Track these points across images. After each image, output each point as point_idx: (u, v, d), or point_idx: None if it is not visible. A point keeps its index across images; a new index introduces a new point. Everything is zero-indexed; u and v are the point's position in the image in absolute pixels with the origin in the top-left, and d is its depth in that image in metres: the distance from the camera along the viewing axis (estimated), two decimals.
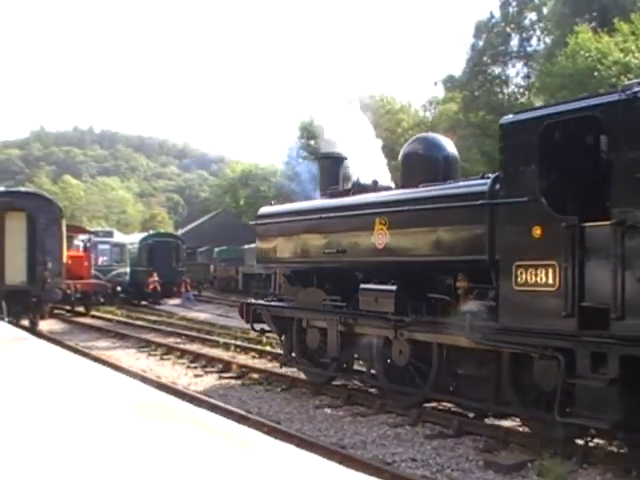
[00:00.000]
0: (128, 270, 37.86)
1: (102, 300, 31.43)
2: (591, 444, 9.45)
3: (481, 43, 46.02)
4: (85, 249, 32.73)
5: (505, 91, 47.51)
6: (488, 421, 11.12)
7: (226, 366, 16.67)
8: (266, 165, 73.73)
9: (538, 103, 35.46)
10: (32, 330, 21.62)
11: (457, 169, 12.54)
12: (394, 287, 11.57)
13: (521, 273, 9.16)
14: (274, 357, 17.58)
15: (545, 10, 44.76)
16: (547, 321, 8.90)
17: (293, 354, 14.82)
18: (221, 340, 20.45)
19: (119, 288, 35.55)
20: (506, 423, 10.94)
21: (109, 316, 30.43)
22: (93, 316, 30.37)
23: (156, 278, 38.11)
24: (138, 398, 7.61)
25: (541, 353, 9.10)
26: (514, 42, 46.66)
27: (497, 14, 47.01)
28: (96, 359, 15.62)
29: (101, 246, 37.20)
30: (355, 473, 5.10)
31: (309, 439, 9.94)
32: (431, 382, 11.31)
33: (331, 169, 14.98)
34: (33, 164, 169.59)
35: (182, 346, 20.02)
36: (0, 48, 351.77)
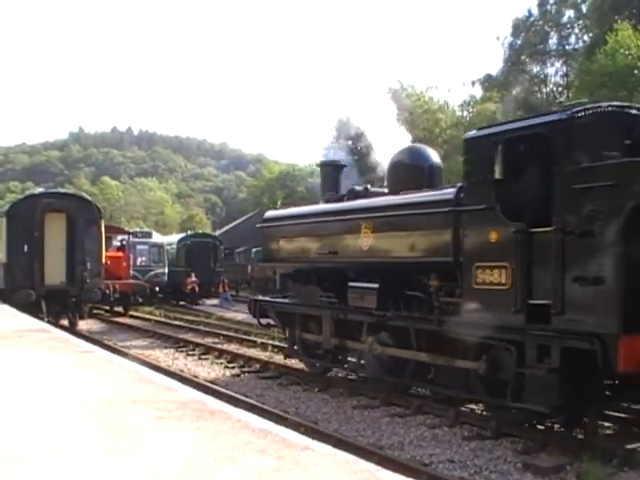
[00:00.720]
0: (166, 270, 38.10)
1: (140, 300, 31.69)
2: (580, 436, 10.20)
3: (519, 42, 45.74)
4: (124, 249, 32.97)
5: (544, 90, 47.12)
6: (526, 423, 11.06)
7: (263, 366, 16.70)
8: (303, 166, 73.94)
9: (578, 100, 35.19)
10: (71, 330, 21.85)
11: (440, 177, 13.39)
12: (376, 285, 12.72)
13: (480, 273, 10.25)
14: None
15: (584, 7, 44.31)
16: (501, 316, 9.93)
17: (295, 347, 15.94)
18: (258, 340, 20.48)
19: (157, 288, 35.78)
20: (545, 425, 10.85)
21: (147, 316, 30.66)
22: (131, 316, 30.60)
23: (194, 279, 38.29)
24: (177, 398, 7.66)
25: (497, 345, 10.23)
26: (552, 40, 46.34)
27: (535, 12, 46.69)
28: (135, 359, 15.73)
29: (139, 246, 37.47)
30: (393, 474, 5.09)
31: (347, 439, 9.92)
32: (411, 370, 12.47)
33: (331, 176, 16.08)
34: (72, 166, 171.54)
35: (220, 346, 20.09)
36: (40, 51, 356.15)
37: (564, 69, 46.81)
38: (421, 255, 11.72)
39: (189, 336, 22.93)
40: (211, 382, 14.75)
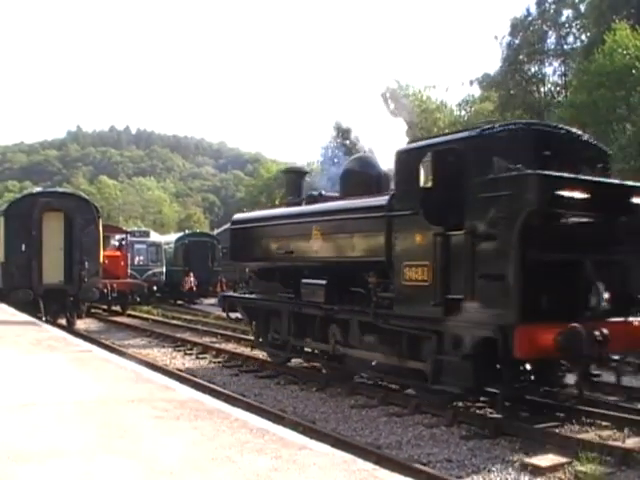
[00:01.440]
0: (164, 270, 38.10)
1: (138, 299, 31.69)
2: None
3: (517, 41, 45.72)
4: (121, 249, 32.96)
5: (542, 89, 47.12)
6: (525, 422, 11.07)
7: (261, 365, 16.71)
8: (301, 165, 73.83)
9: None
10: (69, 329, 21.84)
11: (388, 184, 14.06)
12: (324, 282, 14.01)
13: (407, 271, 11.53)
14: (309, 357, 17.60)
15: (582, 7, 44.32)
16: (423, 309, 11.19)
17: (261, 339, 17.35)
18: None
19: (155, 288, 35.78)
20: (543, 424, 10.86)
21: (145, 315, 30.65)
22: (129, 315, 30.60)
23: (193, 278, 38.29)
24: (175, 397, 7.66)
25: (421, 334, 11.54)
26: (551, 40, 46.30)
27: (533, 11, 46.70)
28: (133, 358, 15.72)
29: (137, 246, 37.45)
30: (391, 474, 5.09)
31: (344, 439, 9.92)
32: (363, 359, 13.61)
33: (294, 181, 17.51)
34: (70, 165, 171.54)
35: (218, 345, 20.08)
36: (38, 50, 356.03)
37: (562, 69, 46.84)
38: (361, 255, 13.00)
39: (187, 335, 22.93)
40: (209, 381, 14.74)
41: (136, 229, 47.31)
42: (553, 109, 40.81)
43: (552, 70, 47.59)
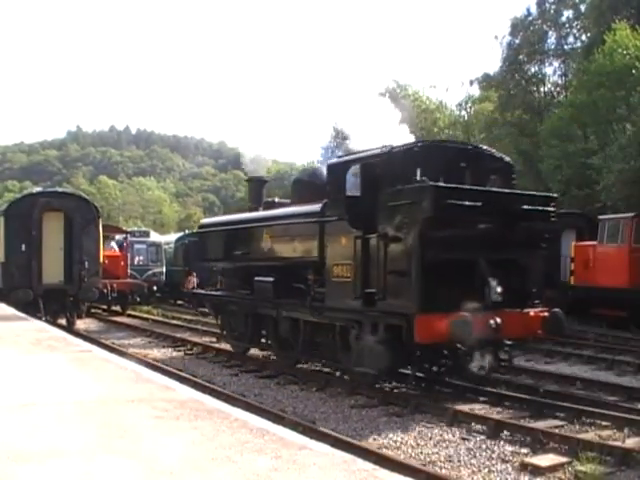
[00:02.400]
0: (164, 270, 38.06)
1: (138, 299, 31.65)
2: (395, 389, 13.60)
3: (517, 41, 45.64)
4: (121, 249, 32.94)
5: (542, 89, 47.08)
6: (524, 422, 11.09)
7: (261, 365, 16.71)
8: (301, 165, 73.78)
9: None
10: (69, 329, 21.84)
11: None
12: (272, 279, 15.76)
13: (335, 269, 13.29)
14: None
15: (583, 7, 44.27)
16: (347, 302, 12.94)
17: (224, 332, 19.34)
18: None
19: (155, 287, 35.74)
20: (543, 424, 10.87)
21: (145, 315, 30.64)
22: (129, 315, 30.59)
23: (195, 278, 38.23)
24: (175, 397, 7.66)
25: (346, 324, 13.28)
26: (551, 40, 46.22)
27: (534, 11, 46.62)
28: (133, 358, 15.72)
29: (137, 246, 37.39)
30: (391, 473, 5.09)
31: (344, 439, 9.92)
32: (300, 347, 15.34)
33: (255, 189, 19.23)
34: (70, 165, 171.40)
35: (218, 345, 20.07)
36: (38, 50, 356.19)
37: (562, 69, 46.79)
38: (301, 256, 14.76)
39: (187, 335, 22.93)
40: (209, 381, 14.74)
41: (136, 229, 47.24)
42: (553, 109, 40.78)
43: (552, 70, 47.55)
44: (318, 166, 17.42)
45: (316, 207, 14.06)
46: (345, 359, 13.64)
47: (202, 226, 20.99)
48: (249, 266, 17.17)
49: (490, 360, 12.16)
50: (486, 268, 11.79)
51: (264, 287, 16.01)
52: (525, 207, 12.43)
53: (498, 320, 11.45)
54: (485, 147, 15.09)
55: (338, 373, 15.02)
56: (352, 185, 13.19)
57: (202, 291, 21.76)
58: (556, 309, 12.78)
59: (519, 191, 13.55)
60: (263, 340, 17.54)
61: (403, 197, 11.84)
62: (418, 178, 11.98)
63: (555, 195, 14.73)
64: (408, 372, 12.82)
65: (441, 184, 11.96)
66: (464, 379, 13.31)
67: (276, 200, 18.23)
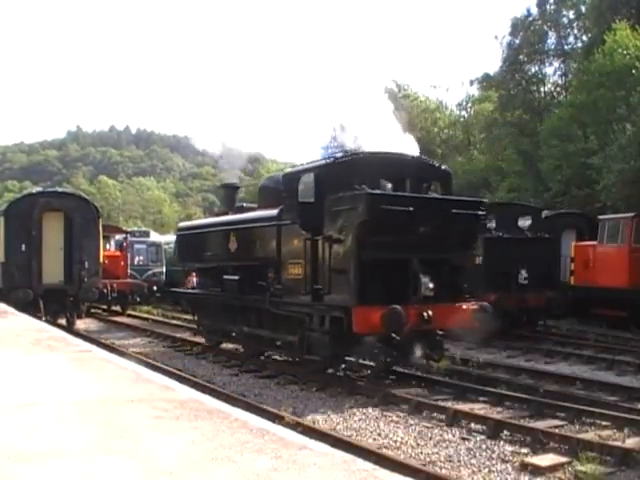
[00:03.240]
0: (164, 270, 38.02)
1: (138, 299, 31.63)
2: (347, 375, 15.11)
3: (517, 41, 45.61)
4: (121, 249, 32.93)
5: (542, 90, 47.06)
6: (524, 422, 11.09)
7: (261, 366, 16.71)
8: (300, 165, 73.60)
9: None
10: (69, 329, 21.83)
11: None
12: (237, 277, 17.22)
13: (289, 268, 14.87)
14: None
15: (583, 7, 44.23)
16: (299, 297, 14.46)
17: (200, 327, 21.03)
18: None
19: (155, 287, 35.70)
20: (543, 424, 10.88)
21: (145, 315, 30.63)
22: (129, 315, 30.59)
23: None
24: (175, 397, 7.66)
25: (299, 317, 14.59)
26: (551, 40, 46.18)
27: (534, 11, 46.58)
28: (133, 358, 15.71)
29: (137, 246, 37.36)
30: (391, 473, 5.09)
31: (344, 439, 9.93)
32: (267, 339, 16.87)
33: (228, 195, 20.96)
34: (70, 165, 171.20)
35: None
36: (38, 50, 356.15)
37: (562, 69, 46.77)
38: (261, 256, 16.30)
39: (187, 335, 22.92)
40: (209, 381, 14.74)
41: (136, 229, 47.18)
42: (553, 109, 40.77)
43: (552, 70, 47.52)
44: (278, 174, 18.58)
45: (274, 212, 15.64)
46: (299, 348, 15.01)
47: (180, 229, 23.15)
48: (219, 266, 18.71)
49: (429, 349, 13.89)
50: (418, 266, 13.29)
51: (231, 285, 17.51)
52: (455, 211, 13.82)
53: (430, 313, 12.95)
54: (424, 157, 16.75)
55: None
56: (303, 192, 14.58)
57: (179, 289, 24.24)
58: (484, 303, 14.25)
59: (450, 197, 14.90)
60: (233, 334, 18.97)
61: (343, 203, 13.44)
62: (357, 186, 13.59)
63: (484, 200, 17.55)
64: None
65: (375, 191, 13.54)
66: (409, 367, 15.06)
67: (244, 205, 19.83)
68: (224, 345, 19.69)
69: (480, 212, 14.40)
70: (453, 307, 13.61)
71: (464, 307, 13.77)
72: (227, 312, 18.40)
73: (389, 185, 14.76)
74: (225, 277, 17.85)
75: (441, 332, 14.08)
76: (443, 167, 16.15)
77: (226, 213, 19.77)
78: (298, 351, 15.18)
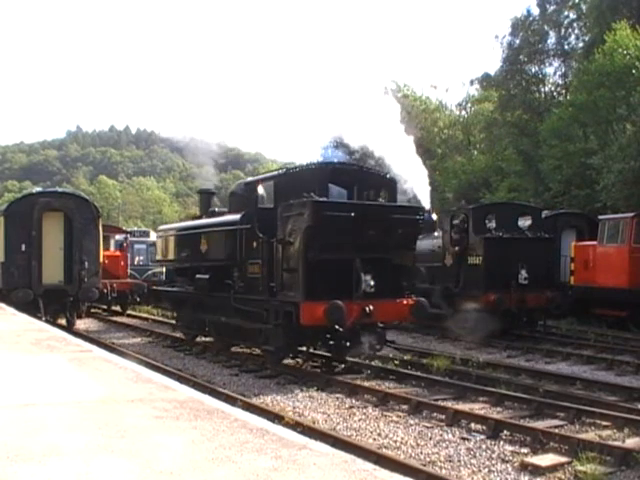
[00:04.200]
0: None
1: (138, 299, 31.61)
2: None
3: (517, 41, 45.59)
4: (121, 249, 32.92)
5: (542, 90, 47.03)
6: (524, 422, 11.09)
7: (261, 365, 16.70)
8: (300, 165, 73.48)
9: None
10: (69, 329, 21.82)
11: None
12: (207, 276, 18.51)
13: (250, 267, 16.43)
14: (308, 357, 17.65)
15: (584, 7, 44.19)
16: (258, 294, 15.93)
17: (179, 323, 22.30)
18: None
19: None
20: (543, 424, 10.87)
21: (145, 315, 30.61)
22: (129, 315, 30.57)
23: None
24: (175, 397, 7.66)
25: (257, 311, 15.97)
26: (551, 40, 46.14)
27: (534, 11, 46.54)
28: (133, 358, 15.70)
29: (137, 246, 37.38)
30: (391, 474, 5.09)
31: (345, 439, 9.93)
32: (233, 332, 18.07)
33: (205, 199, 22.09)
34: (70, 165, 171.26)
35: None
36: (38, 50, 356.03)
37: (563, 69, 46.74)
38: (227, 257, 17.56)
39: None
40: (209, 381, 14.75)
41: (136, 229, 47.18)
42: (553, 109, 40.76)
43: (553, 70, 47.49)
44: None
45: (237, 217, 16.98)
46: (258, 340, 16.54)
47: (159, 231, 24.88)
48: (192, 265, 20.14)
49: (374, 340, 15.17)
50: (360, 266, 14.60)
51: (202, 283, 18.80)
52: (395, 216, 15.33)
53: (371, 307, 14.38)
54: (370, 167, 19.36)
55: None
56: (261, 199, 16.04)
57: (159, 288, 25.96)
58: (421, 298, 15.69)
59: (389, 204, 16.25)
60: (207, 328, 20.13)
61: (293, 210, 14.83)
62: (306, 194, 14.93)
63: (423, 206, 19.39)
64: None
65: (319, 199, 14.93)
66: (357, 357, 16.22)
67: (216, 210, 21.07)
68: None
69: (418, 217, 15.94)
70: (393, 302, 15.12)
71: (404, 302, 15.26)
72: (200, 308, 19.74)
73: (344, 192, 16.84)
74: (197, 276, 19.15)
75: (382, 325, 15.67)
76: (388, 176, 17.63)
77: (200, 217, 21.41)
78: (257, 342, 16.75)
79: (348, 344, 15.35)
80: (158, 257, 24.19)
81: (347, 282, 14.49)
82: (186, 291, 20.68)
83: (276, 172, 17.03)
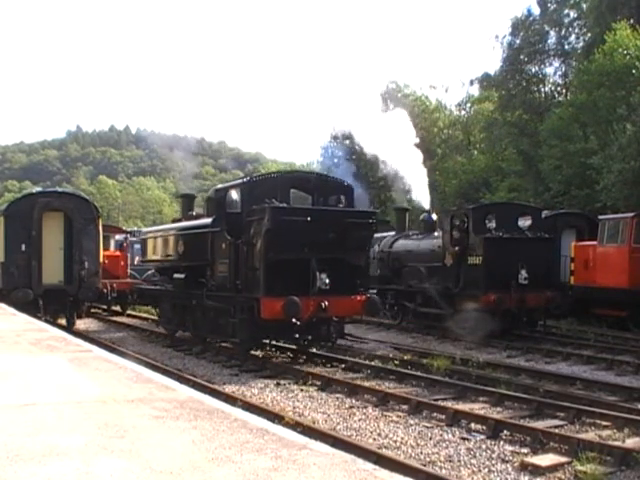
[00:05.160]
0: None
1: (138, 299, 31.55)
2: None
3: (518, 41, 45.55)
4: (121, 249, 32.91)
5: (542, 90, 47.00)
6: (524, 422, 11.09)
7: (261, 365, 16.72)
8: (300, 165, 73.68)
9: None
10: (69, 329, 21.82)
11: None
12: (184, 275, 20.18)
13: (219, 267, 17.81)
14: (309, 357, 17.66)
15: (584, 7, 44.14)
16: (226, 291, 17.40)
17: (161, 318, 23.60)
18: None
19: None
20: (543, 424, 10.87)
21: (145, 315, 30.59)
22: (129, 315, 30.57)
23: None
24: (175, 397, 7.66)
25: (226, 307, 17.48)
26: (551, 40, 46.10)
27: (534, 11, 46.49)
28: (133, 358, 15.69)
29: (137, 246, 37.32)
30: (391, 474, 5.08)
31: (344, 439, 9.93)
32: (207, 326, 19.40)
33: (185, 204, 23.87)
34: (70, 165, 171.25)
35: (217, 344, 20.06)
36: (38, 50, 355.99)
37: (563, 68, 46.71)
38: (201, 257, 18.85)
39: (187, 335, 22.89)
40: (209, 381, 14.74)
41: (136, 229, 47.13)
42: (553, 109, 40.75)
43: (553, 70, 47.45)
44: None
45: (209, 220, 18.62)
46: (226, 333, 17.94)
47: (143, 233, 26.90)
48: (172, 265, 21.73)
49: (332, 332, 17.32)
50: (315, 265, 15.98)
51: (179, 282, 20.49)
52: (349, 220, 16.82)
53: (326, 303, 15.92)
54: (328, 175, 21.47)
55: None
56: (229, 205, 17.62)
57: (143, 286, 27.54)
58: (373, 295, 17.48)
59: (344, 209, 17.72)
60: (185, 323, 21.40)
61: (255, 214, 16.50)
62: (267, 200, 16.52)
63: (375, 210, 21.23)
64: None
65: (278, 205, 16.52)
66: (321, 348, 18.11)
67: (194, 213, 22.37)
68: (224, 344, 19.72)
69: (371, 221, 17.39)
70: (347, 298, 16.62)
71: (357, 299, 16.78)
72: (179, 305, 21.26)
73: (309, 197, 18.31)
74: (175, 275, 20.93)
75: (336, 319, 17.30)
76: (345, 183, 19.22)
77: (180, 220, 22.89)
78: (227, 335, 18.13)
79: (310, 337, 17.31)
80: (143, 258, 25.94)
81: (304, 280, 15.93)
82: (166, 289, 22.31)
83: (243, 180, 18.46)
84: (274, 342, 18.24)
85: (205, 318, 19.19)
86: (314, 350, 18.24)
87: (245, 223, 16.72)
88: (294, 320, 15.75)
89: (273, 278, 15.95)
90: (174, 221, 24.31)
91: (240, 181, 18.31)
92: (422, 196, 26.43)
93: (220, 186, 19.19)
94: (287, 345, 18.89)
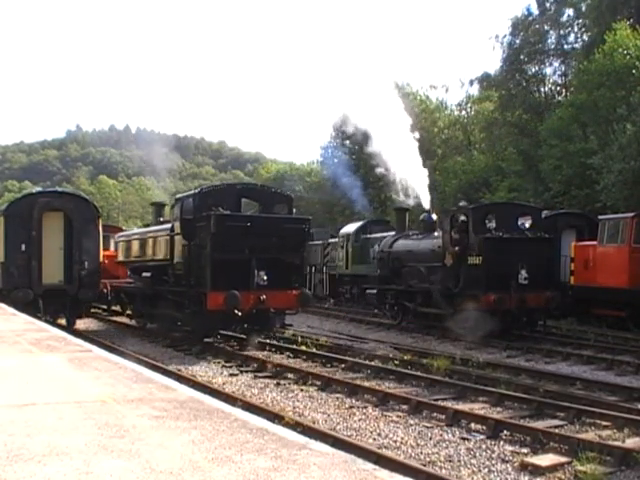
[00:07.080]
0: None
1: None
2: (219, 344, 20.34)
3: (517, 41, 45.56)
4: None
5: (542, 89, 46.99)
6: (524, 422, 11.09)
7: (261, 365, 16.71)
8: (300, 165, 73.68)
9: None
10: (69, 329, 21.80)
11: None
12: (150, 274, 22.78)
13: (177, 265, 20.33)
14: (309, 357, 17.67)
15: (583, 7, 44.15)
16: (182, 287, 19.88)
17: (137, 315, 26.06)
18: (256, 339, 20.46)
19: None
20: (543, 424, 10.87)
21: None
22: (129, 315, 30.51)
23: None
24: (175, 397, 7.66)
25: (182, 300, 20.11)
26: (551, 39, 46.11)
27: (534, 11, 46.48)
28: (133, 358, 15.68)
29: None
30: (391, 473, 5.08)
31: (345, 439, 9.92)
32: (169, 319, 21.79)
33: (155, 209, 27.27)
34: (70, 164, 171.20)
35: (217, 345, 20.07)
36: (38, 50, 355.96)
37: (562, 68, 46.72)
38: (163, 258, 21.38)
39: (187, 334, 22.88)
40: (209, 381, 14.73)
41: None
42: (553, 109, 40.74)
43: (552, 70, 47.46)
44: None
45: (169, 225, 21.30)
46: (182, 323, 21.10)
47: (119, 236, 29.01)
48: (141, 265, 24.22)
49: (274, 322, 19.91)
50: (254, 264, 18.27)
51: (147, 279, 23.11)
52: (286, 225, 19.17)
53: (264, 297, 18.23)
54: (270, 186, 25.40)
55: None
56: (184, 212, 19.83)
57: (115, 284, 28.82)
58: (305, 289, 20.19)
59: (282, 215, 20.06)
60: (154, 317, 23.79)
61: (203, 220, 18.75)
62: (214, 208, 18.71)
63: (308, 217, 21.99)
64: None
65: (222, 212, 18.77)
66: (271, 337, 20.68)
67: (162, 219, 25.08)
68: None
69: (305, 226, 19.85)
70: (283, 293, 18.81)
71: (293, 293, 19.00)
72: (147, 300, 23.60)
73: (259, 206, 20.76)
74: (143, 274, 23.59)
75: (274, 311, 19.34)
76: (286, 193, 22.34)
77: (149, 224, 26.12)
78: (181, 325, 21.32)
79: (256, 327, 19.59)
80: (120, 258, 27.60)
81: (245, 277, 18.23)
82: (136, 286, 25.05)
83: (196, 190, 20.72)
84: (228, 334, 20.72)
85: (167, 312, 21.67)
86: (314, 350, 18.48)
87: (196, 228, 19.04)
88: (236, 311, 17.89)
89: (218, 275, 18.31)
90: (145, 226, 27.50)
91: (194, 191, 20.55)
92: (422, 194, 26.41)
93: (179, 195, 21.78)
94: (287, 345, 19.71)
